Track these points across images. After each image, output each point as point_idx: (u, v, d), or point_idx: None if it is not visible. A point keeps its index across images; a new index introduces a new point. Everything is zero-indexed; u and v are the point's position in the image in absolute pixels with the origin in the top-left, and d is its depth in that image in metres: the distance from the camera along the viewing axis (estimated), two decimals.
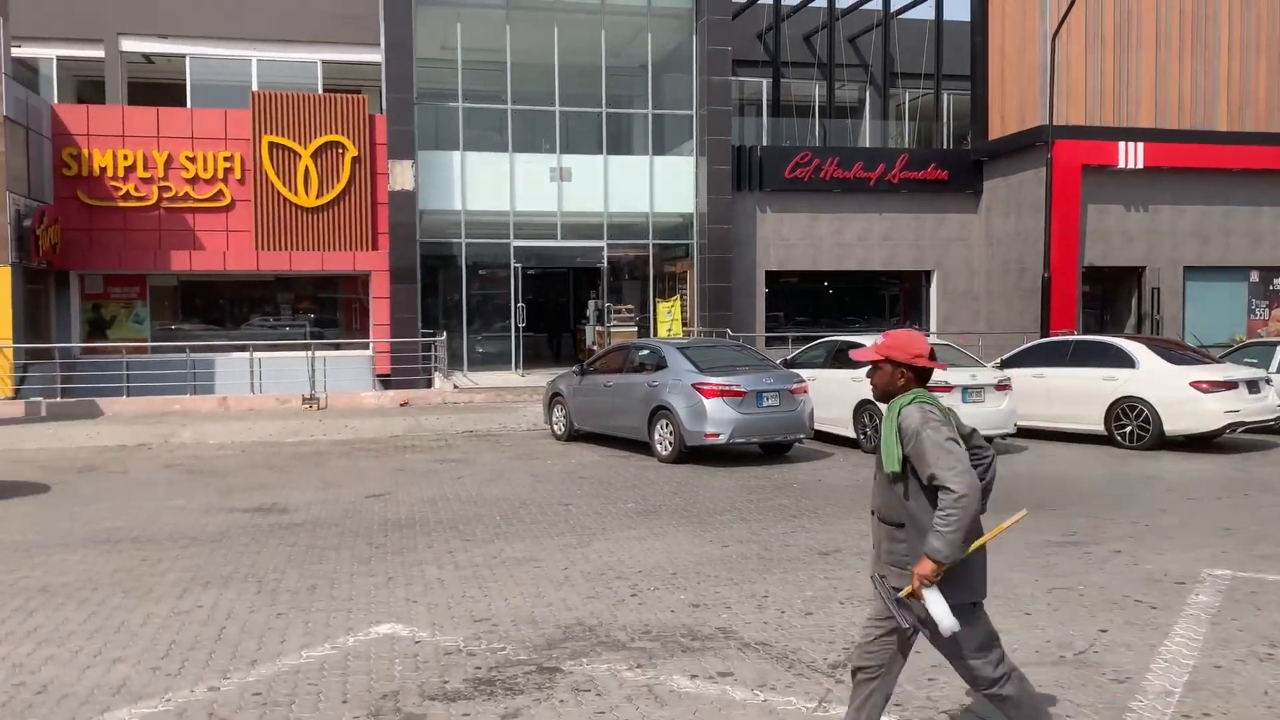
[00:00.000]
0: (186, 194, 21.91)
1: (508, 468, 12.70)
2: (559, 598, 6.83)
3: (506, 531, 8.92)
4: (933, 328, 25.55)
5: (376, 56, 23.88)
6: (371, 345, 22.80)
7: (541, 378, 20.51)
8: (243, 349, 20.97)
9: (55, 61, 24.86)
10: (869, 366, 4.15)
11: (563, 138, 23.81)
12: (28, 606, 6.71)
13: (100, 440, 15.47)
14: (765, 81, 27.21)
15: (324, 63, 25.19)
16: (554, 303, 28.74)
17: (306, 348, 20.39)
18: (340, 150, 22.51)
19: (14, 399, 18.60)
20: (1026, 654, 5.61)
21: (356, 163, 22.57)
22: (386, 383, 21.92)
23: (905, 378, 4.02)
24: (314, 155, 22.34)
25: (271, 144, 22.11)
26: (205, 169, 21.95)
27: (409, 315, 22.30)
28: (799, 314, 25.69)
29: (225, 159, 22.05)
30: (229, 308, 23.76)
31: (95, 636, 6.07)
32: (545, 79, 23.51)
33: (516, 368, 23.35)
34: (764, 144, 25.34)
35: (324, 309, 24.15)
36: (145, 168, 21.67)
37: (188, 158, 21.86)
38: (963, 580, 3.85)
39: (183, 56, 24.63)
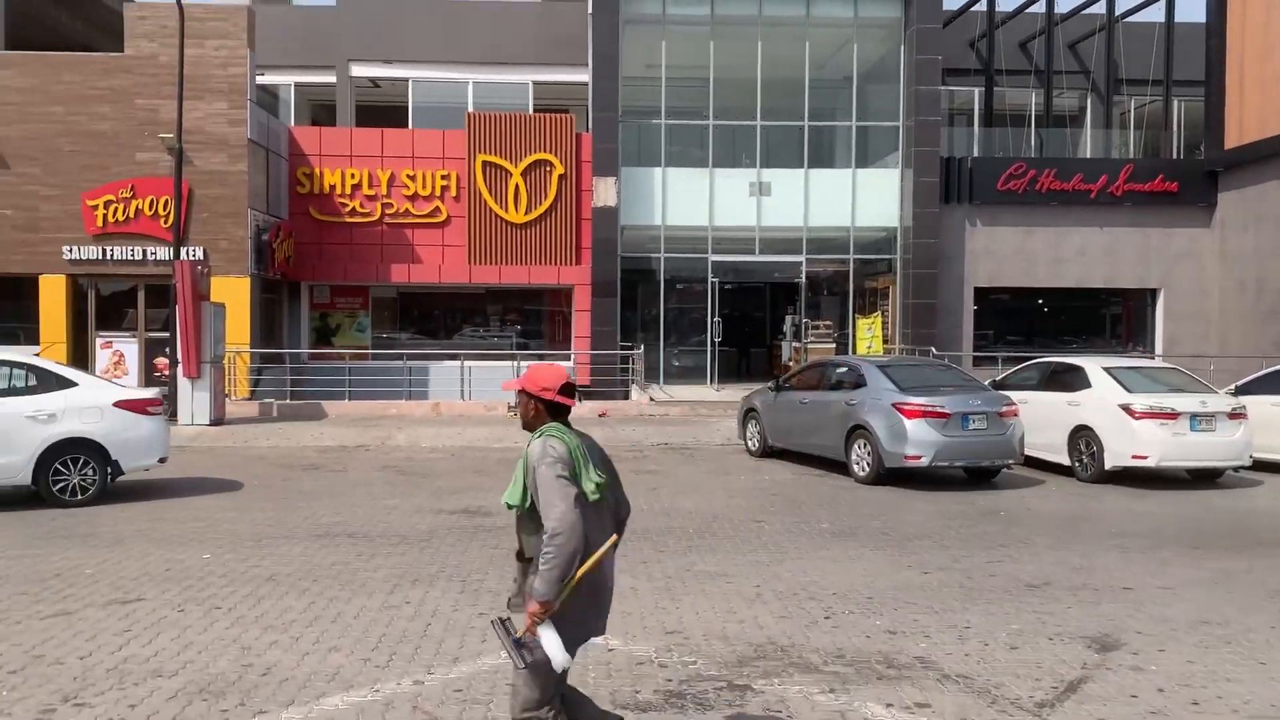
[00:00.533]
0: (407, 210, 23.20)
1: (701, 482, 12.72)
2: (750, 615, 6.77)
3: (699, 545, 8.93)
4: (1158, 349, 23.88)
5: (584, 76, 24.57)
6: (573, 357, 23.42)
7: (736, 393, 20.46)
8: (454, 357, 22.00)
9: (293, 87, 26.92)
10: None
11: (763, 152, 23.75)
12: (257, 593, 7.23)
13: (324, 440, 16.55)
14: (977, 90, 26.24)
15: (535, 83, 26.15)
16: (750, 318, 28.64)
17: (512, 358, 21.18)
18: (548, 168, 23.27)
19: (250, 399, 20.19)
20: (1260, 707, 5.11)
21: (563, 180, 23.27)
22: (586, 394, 22.44)
23: (537, 410, 4.00)
24: (524, 173, 23.19)
25: (485, 162, 23.10)
26: (424, 187, 23.17)
27: (609, 328, 22.77)
28: (1010, 333, 24.57)
29: (442, 177, 23.21)
30: (442, 318, 24.97)
31: (314, 625, 6.46)
32: (747, 93, 23.54)
33: (711, 382, 23.41)
34: (975, 155, 24.43)
35: (529, 321, 25.00)
36: (370, 185, 23.08)
37: (408, 176, 23.14)
38: (578, 617, 3.85)
39: (406, 80, 26.12)
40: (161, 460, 11.59)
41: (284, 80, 26.43)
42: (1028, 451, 13.12)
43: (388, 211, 23.17)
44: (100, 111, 20.17)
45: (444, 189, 23.23)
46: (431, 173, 23.17)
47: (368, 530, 9.53)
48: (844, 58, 24.13)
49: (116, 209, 20.15)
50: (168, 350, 18.89)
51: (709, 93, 23.45)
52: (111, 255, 20.23)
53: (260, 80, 23.71)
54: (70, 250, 20.14)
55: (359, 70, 26.26)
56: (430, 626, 6.44)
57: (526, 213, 23.24)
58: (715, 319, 23.30)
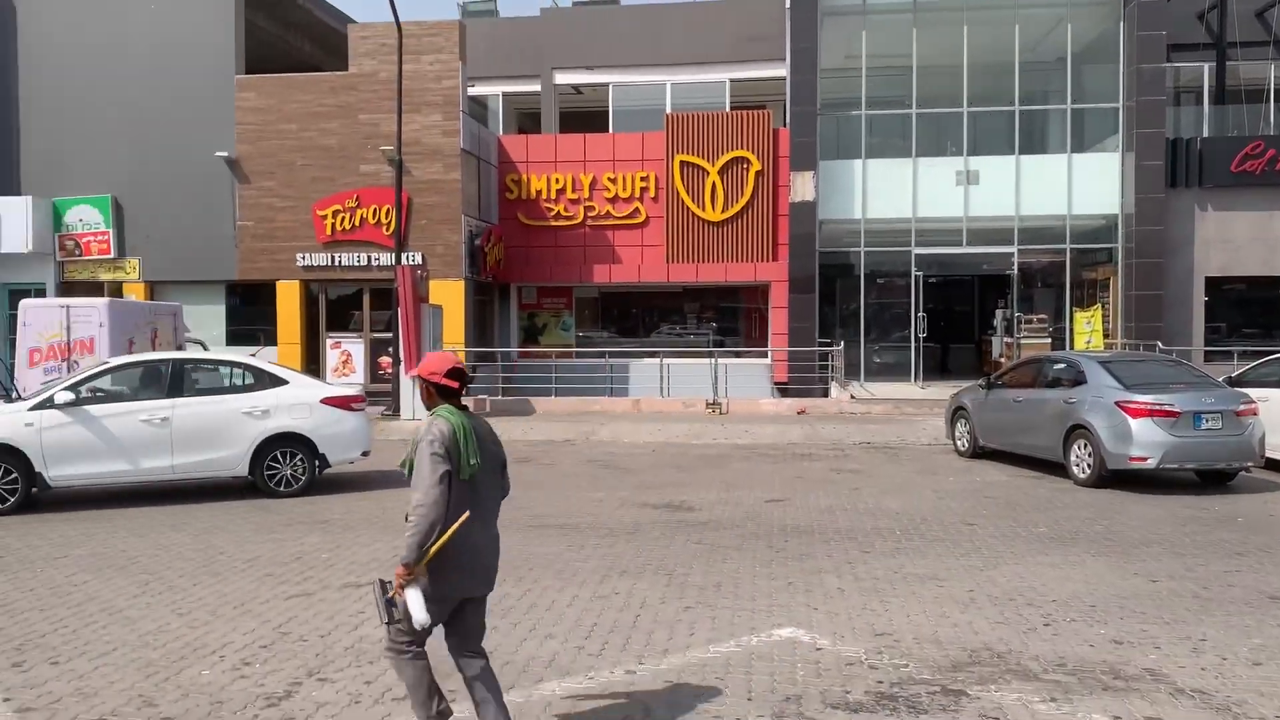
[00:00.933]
0: (607, 212, 23.74)
1: (907, 481, 12.42)
2: (964, 619, 6.57)
3: (907, 547, 8.73)
4: None
5: (781, 71, 24.42)
6: (770, 354, 23.34)
7: (942, 390, 19.85)
8: (653, 355, 22.37)
9: (500, 97, 28.03)
10: None
11: (970, 139, 22.90)
12: None
13: (533, 435, 17.17)
14: (1207, 66, 24.35)
15: (731, 81, 26.20)
16: (955, 312, 27.67)
17: (710, 355, 21.32)
18: (745, 165, 23.27)
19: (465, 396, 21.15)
20: None
21: (760, 176, 23.22)
22: (784, 390, 22.32)
23: (429, 393, 4.43)
24: (720, 171, 23.28)
25: (683, 162, 23.35)
26: (624, 189, 23.65)
27: (806, 324, 22.53)
28: (1247, 325, 22.69)
29: (641, 179, 23.62)
30: (641, 317, 25.43)
31: (530, 612, 6.74)
32: (952, 80, 22.76)
33: (915, 379, 22.78)
34: (1205, 135, 22.71)
35: (726, 318, 25.09)
36: (573, 189, 23.76)
37: (609, 179, 23.67)
38: (441, 578, 4.24)
39: (606, 85, 26.73)
40: (364, 454, 12.31)
41: (492, 90, 27.57)
42: (1269, 453, 12.11)
43: (590, 214, 23.78)
44: (328, 127, 21.66)
45: (643, 190, 23.63)
46: (631, 175, 23.61)
47: (577, 522, 9.84)
48: (1057, 38, 22.95)
49: (343, 218, 21.59)
50: (390, 350, 20.09)
51: (911, 81, 22.82)
52: (339, 261, 21.70)
53: (471, 91, 24.81)
54: (303, 257, 21.74)
55: (562, 78, 27.07)
56: (640, 618, 6.59)
57: (723, 210, 23.33)
58: (919, 314, 22.67)
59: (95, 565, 8.23)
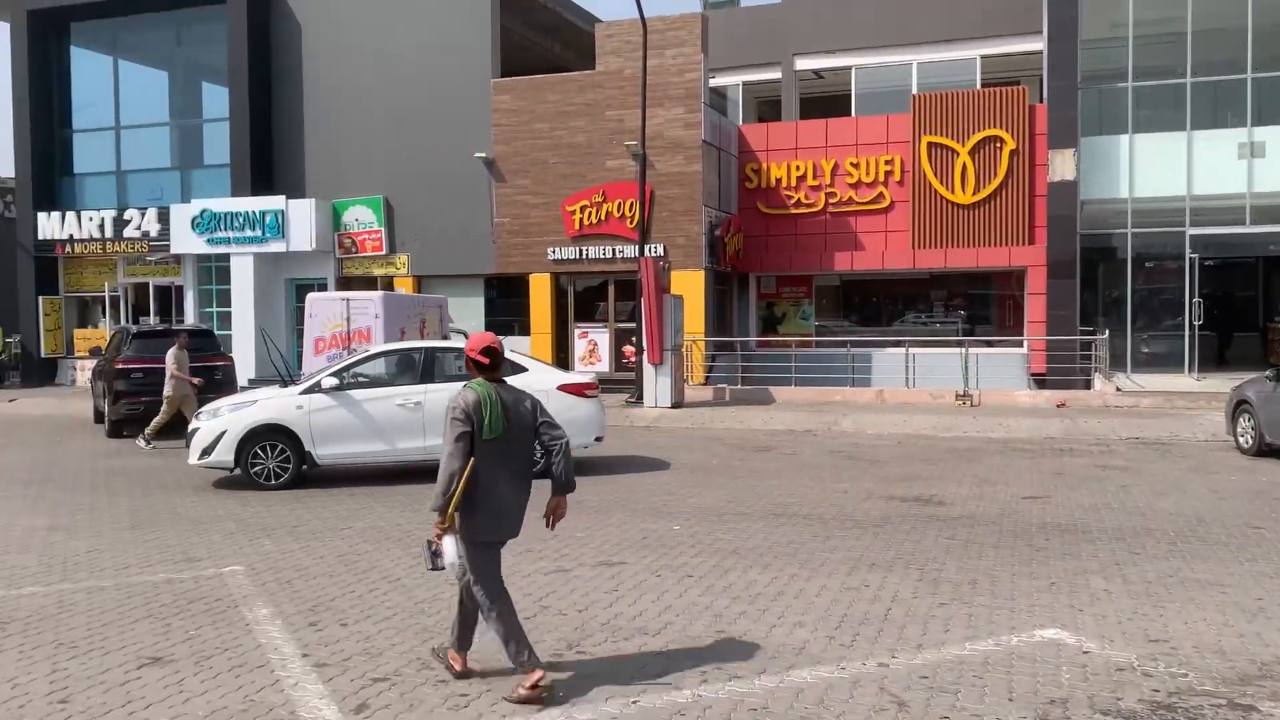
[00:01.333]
0: (850, 198, 23.32)
1: (1181, 480, 11.51)
2: (1251, 630, 6.03)
3: (1182, 550, 8.09)
4: None
5: (1037, 45, 23.13)
6: (1025, 343, 22.20)
7: (1221, 383, 18.23)
8: (897, 344, 21.79)
9: (740, 86, 28.10)
10: None
11: (1254, 108, 20.81)
12: (723, 565, 7.70)
13: (773, 424, 17.16)
14: None
15: (982, 57, 25.08)
16: (1236, 298, 25.30)
17: (959, 344, 20.55)
18: (998, 144, 22.22)
19: (704, 384, 21.46)
20: None
21: (1014, 156, 22.10)
22: (1041, 382, 21.16)
23: (468, 366, 5.27)
24: (971, 152, 22.35)
25: (930, 144, 22.59)
26: (867, 173, 23.15)
27: (1065, 312, 21.25)
28: None
29: (886, 162, 23.04)
30: (884, 305, 24.83)
31: (778, 600, 6.76)
32: (1234, 44, 20.75)
33: (1190, 370, 20.99)
34: None
35: (976, 306, 24.07)
36: (814, 176, 23.50)
37: (851, 164, 23.24)
38: (472, 522, 5.07)
39: (848, 69, 26.24)
40: (598, 439, 12.66)
41: (732, 80, 27.68)
42: None
43: (831, 200, 23.45)
44: (577, 125, 22.46)
45: (887, 174, 23.05)
46: (875, 158, 23.08)
47: (821, 512, 9.76)
48: None
49: (590, 212, 22.34)
50: (634, 339, 20.63)
51: (1186, 48, 21.01)
52: (586, 254, 22.48)
53: (711, 83, 25.02)
54: (553, 251, 22.68)
55: (803, 64, 26.81)
56: (891, 611, 6.47)
57: (974, 193, 22.39)
58: (1194, 299, 20.88)
59: (374, 537, 8.96)
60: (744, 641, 5.91)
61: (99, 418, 18.50)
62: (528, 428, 5.21)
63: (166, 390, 15.31)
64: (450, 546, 5.03)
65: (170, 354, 15.48)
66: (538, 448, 5.27)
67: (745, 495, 10.76)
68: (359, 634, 6.13)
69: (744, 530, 8.96)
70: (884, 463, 13.08)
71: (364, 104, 24.27)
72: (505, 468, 5.13)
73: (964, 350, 19.92)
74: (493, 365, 5.17)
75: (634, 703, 5.01)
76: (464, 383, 5.29)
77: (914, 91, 24.08)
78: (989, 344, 22.28)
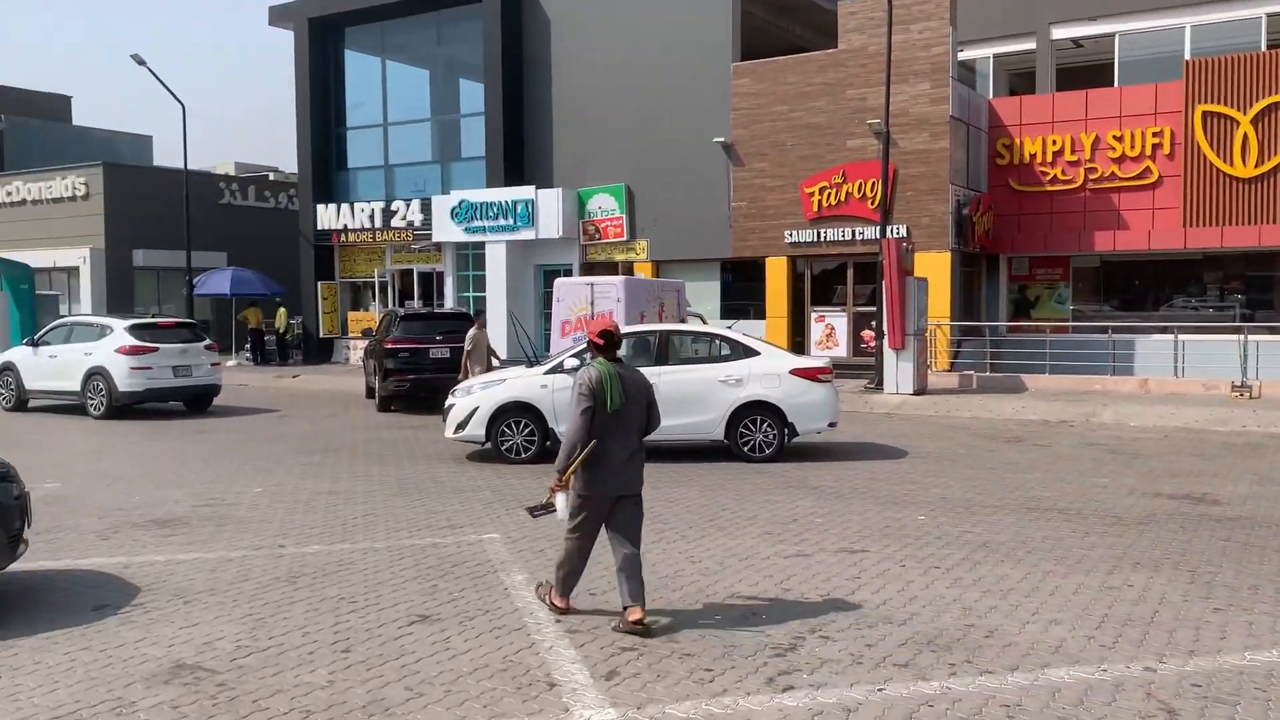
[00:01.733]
0: (1112, 174, 21.81)
1: None
2: None
3: None
4: None
5: None
6: None
7: None
8: (1164, 330, 20.22)
9: (991, 59, 26.77)
10: None
11: None
12: (972, 558, 7.45)
13: (1024, 414, 16.37)
14: None
15: (1268, 16, 22.73)
16: None
17: (1237, 331, 18.82)
18: None
19: (949, 371, 20.72)
20: None
21: None
22: None
23: (591, 347, 6.02)
24: (1254, 120, 20.36)
25: (1205, 113, 20.75)
26: (1132, 147, 21.56)
27: None
28: None
29: (1154, 134, 21.38)
30: (1149, 288, 23.05)
31: (1032, 595, 6.47)
32: None
33: None
34: None
35: (1256, 289, 21.91)
36: (1072, 151, 22.12)
37: (1114, 137, 21.71)
38: (591, 478, 5.87)
39: (1111, 36, 24.48)
40: (831, 425, 12.43)
41: (982, 53, 26.45)
42: None
43: (1090, 176, 22.03)
44: (816, 105, 22.18)
45: (1155, 147, 21.40)
46: (1141, 131, 21.48)
47: (1079, 507, 9.24)
48: None
49: (829, 194, 22.03)
50: (873, 323, 20.19)
51: None
52: (824, 237, 22.19)
53: (960, 56, 24.03)
54: (790, 234, 22.53)
55: (1060, 32, 25.24)
56: (1158, 614, 6.06)
57: (1257, 165, 20.42)
58: None
59: None
60: (995, 636, 5.70)
61: (370, 393, 20.06)
62: (641, 402, 5.99)
63: (468, 365, 16.23)
64: (562, 502, 5.92)
65: (469, 334, 16.52)
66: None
67: (995, 487, 10.34)
68: (607, 604, 6.36)
69: (995, 523, 8.62)
70: (1148, 457, 12.21)
71: (607, 94, 24.95)
72: (622, 432, 5.90)
73: (1242, 337, 18.22)
74: (609, 346, 5.95)
75: (879, 690, 4.96)
76: (589, 362, 6.09)
77: (1187, 57, 22.16)
78: (1273, 330, 20.25)
